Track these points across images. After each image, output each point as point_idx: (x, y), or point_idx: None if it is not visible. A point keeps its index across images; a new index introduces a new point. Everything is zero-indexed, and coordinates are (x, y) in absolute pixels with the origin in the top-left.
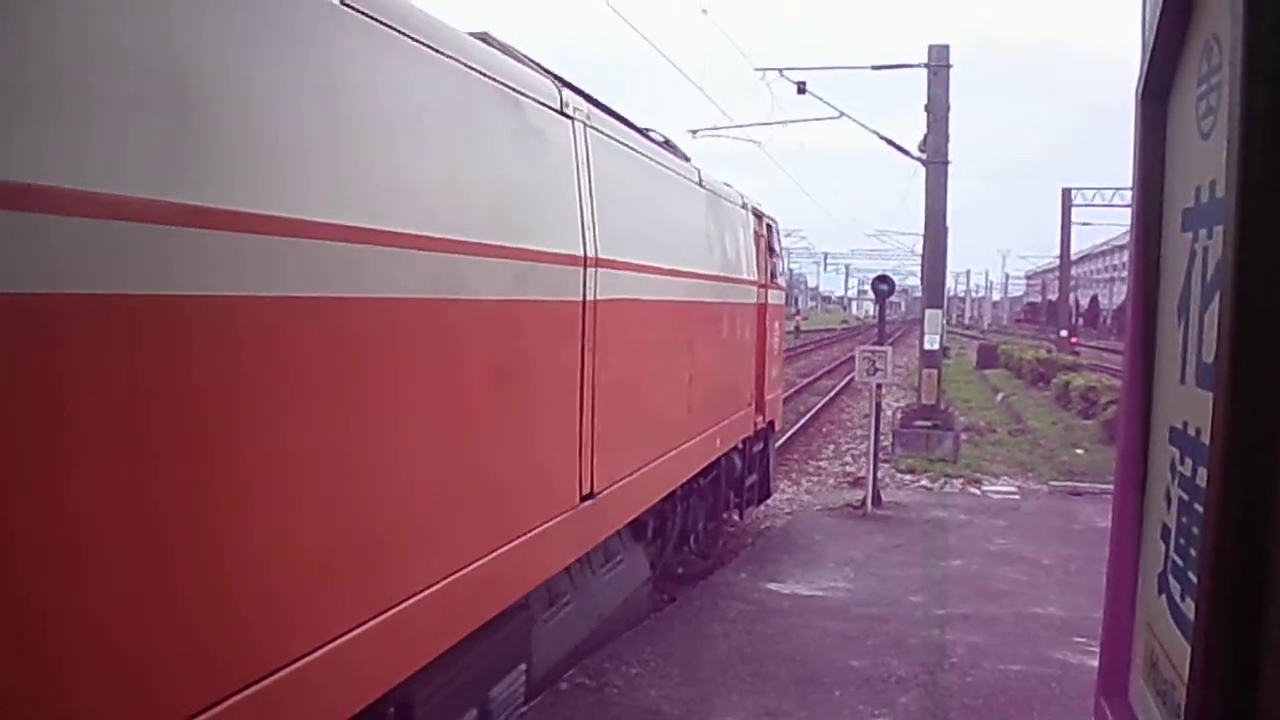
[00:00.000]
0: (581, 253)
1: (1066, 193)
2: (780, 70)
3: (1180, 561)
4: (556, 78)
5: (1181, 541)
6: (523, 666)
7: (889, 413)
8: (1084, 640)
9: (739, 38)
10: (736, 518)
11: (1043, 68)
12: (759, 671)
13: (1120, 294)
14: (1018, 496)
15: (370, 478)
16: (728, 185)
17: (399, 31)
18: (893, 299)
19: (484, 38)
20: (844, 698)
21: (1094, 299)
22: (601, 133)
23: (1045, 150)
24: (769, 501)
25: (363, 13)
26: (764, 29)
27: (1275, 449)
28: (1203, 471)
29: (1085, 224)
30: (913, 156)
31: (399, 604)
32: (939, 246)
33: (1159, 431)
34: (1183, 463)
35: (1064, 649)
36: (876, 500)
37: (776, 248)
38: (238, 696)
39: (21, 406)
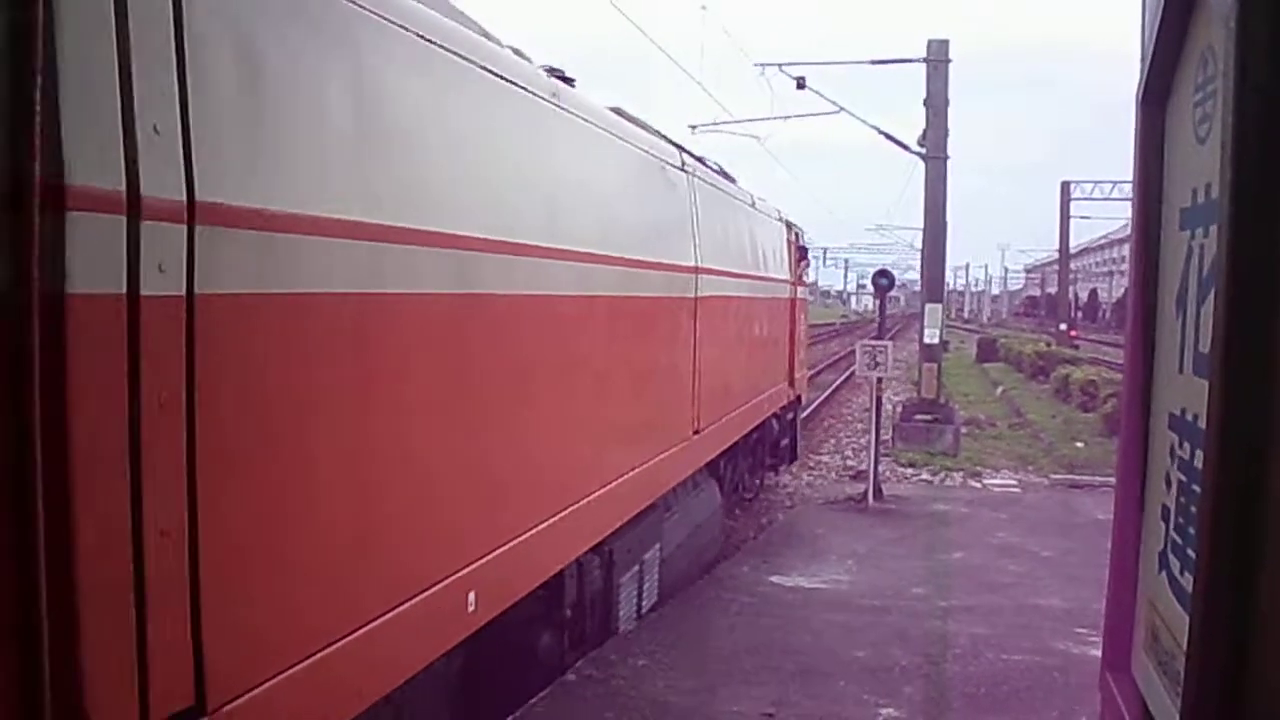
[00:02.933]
0: (693, 264)
1: (1065, 186)
2: (780, 65)
3: (1179, 540)
4: (679, 146)
5: (1180, 521)
6: (658, 545)
7: (889, 407)
8: (1085, 631)
9: (738, 33)
10: (772, 475)
11: (1044, 66)
12: (764, 663)
13: (1119, 287)
14: (1018, 490)
15: (580, 414)
16: (762, 200)
17: (598, 126)
18: (892, 293)
19: (618, 110)
20: (848, 688)
21: (1093, 292)
22: (702, 179)
23: (1046, 147)
24: (788, 472)
25: (573, 113)
26: (763, 24)
27: (1267, 431)
28: (1200, 454)
29: (1084, 217)
30: (912, 151)
31: (608, 485)
32: (938, 241)
33: (1159, 418)
34: (1181, 447)
35: (1066, 639)
36: (878, 494)
37: (804, 250)
38: (504, 549)
39: (299, 365)
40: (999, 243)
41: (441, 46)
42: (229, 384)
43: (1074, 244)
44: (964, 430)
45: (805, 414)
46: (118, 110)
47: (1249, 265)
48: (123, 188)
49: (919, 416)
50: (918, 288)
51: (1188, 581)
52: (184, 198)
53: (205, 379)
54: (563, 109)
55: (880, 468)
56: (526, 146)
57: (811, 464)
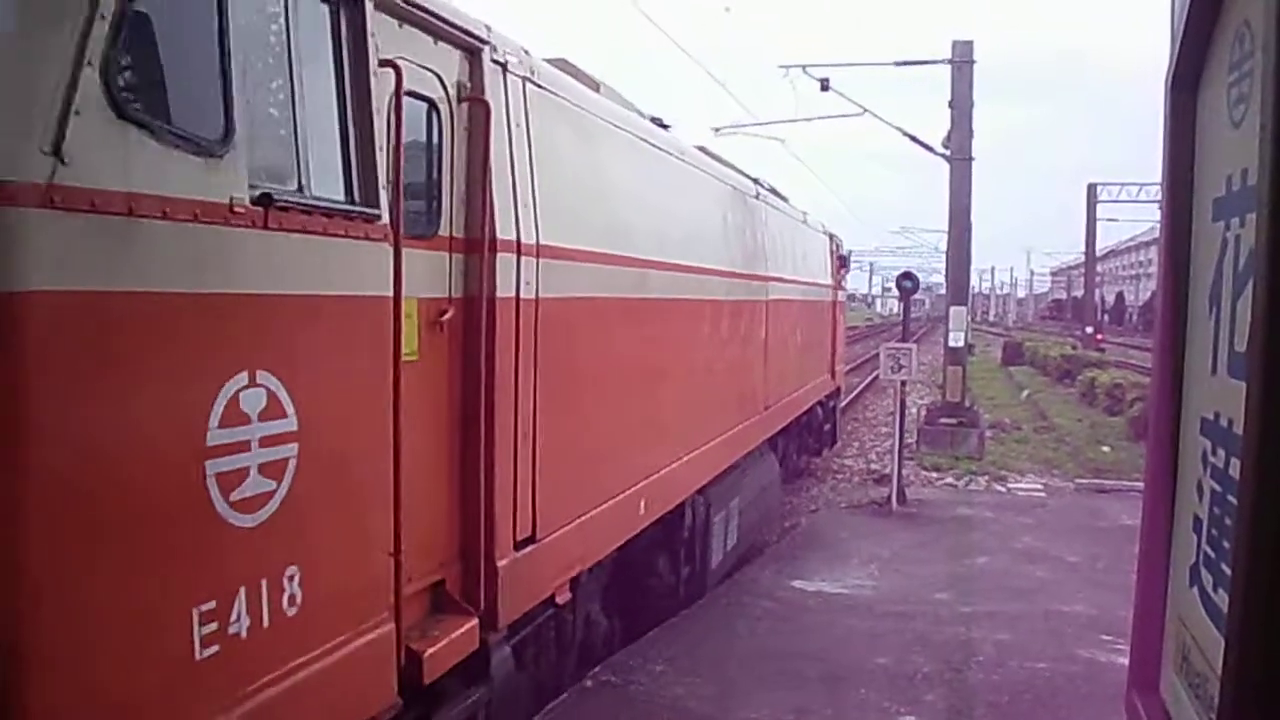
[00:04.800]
0: (764, 274)
1: (1092, 188)
2: (803, 67)
3: (1213, 553)
4: (755, 179)
5: (1214, 533)
6: (737, 498)
7: (914, 410)
8: (1111, 638)
9: (762, 35)
10: (816, 458)
11: (1073, 69)
12: (785, 669)
13: (1146, 291)
14: (1043, 494)
15: (698, 385)
16: (809, 215)
17: (706, 172)
18: (917, 296)
19: (704, 149)
20: (870, 695)
21: (1120, 295)
22: (768, 204)
23: (1074, 149)
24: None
25: (693, 164)
26: (787, 27)
27: None
28: (1236, 462)
29: (1111, 220)
30: (936, 153)
31: (710, 442)
32: (963, 243)
33: (1190, 423)
34: (1215, 454)
35: (1091, 647)
36: (901, 498)
37: (844, 259)
38: (658, 476)
39: (566, 348)
40: (1025, 245)
41: (630, 132)
42: (551, 348)
43: (1101, 247)
44: (989, 434)
45: None
46: (511, 194)
47: None
48: (514, 238)
49: (943, 420)
50: (943, 291)
51: (1222, 599)
52: (532, 241)
53: (542, 343)
54: (687, 162)
55: (904, 471)
56: (670, 192)
57: (835, 467)
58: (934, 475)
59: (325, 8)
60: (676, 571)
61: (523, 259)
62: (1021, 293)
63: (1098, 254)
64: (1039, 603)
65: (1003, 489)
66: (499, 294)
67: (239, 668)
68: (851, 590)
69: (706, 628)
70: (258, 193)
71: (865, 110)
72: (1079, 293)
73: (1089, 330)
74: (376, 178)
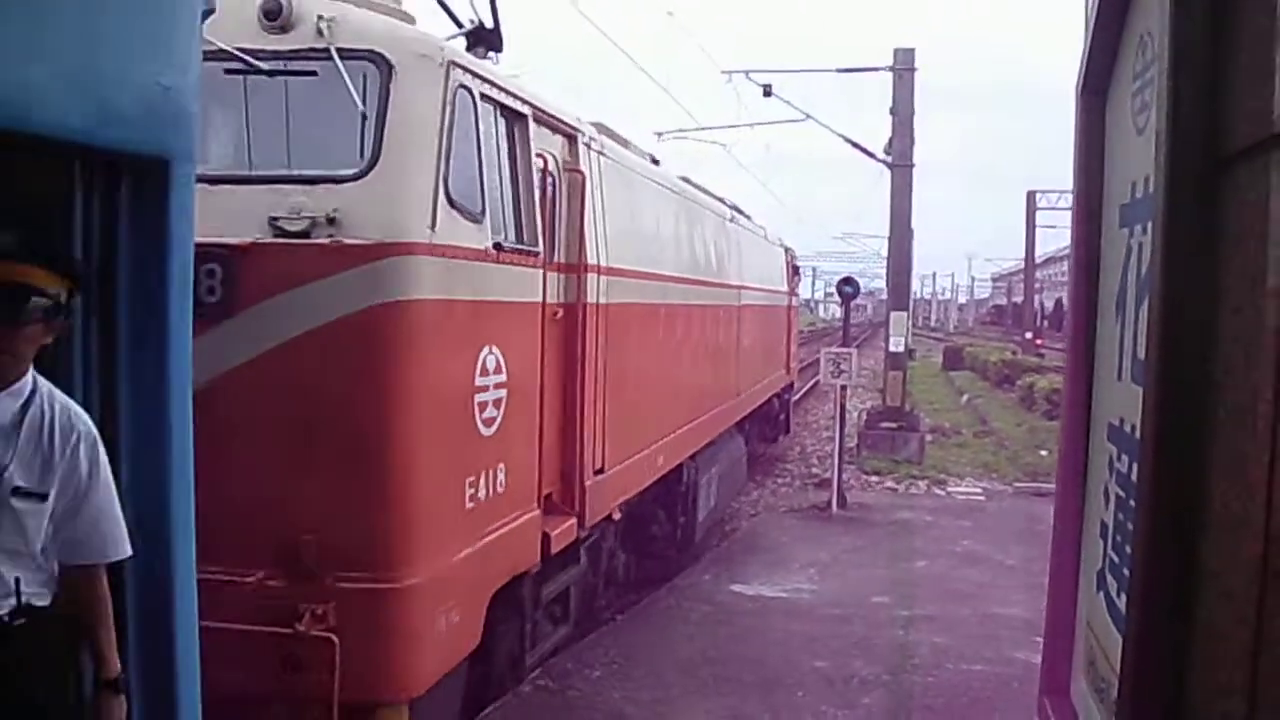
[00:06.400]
0: (737, 283)
1: (1031, 195)
2: (746, 73)
3: (1117, 559)
4: (732, 205)
5: (1118, 539)
6: (715, 468)
7: (854, 415)
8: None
9: (705, 41)
10: (772, 444)
11: (1012, 76)
12: (723, 673)
13: None
14: (982, 498)
15: (693, 371)
16: (767, 230)
17: (699, 205)
18: (859, 301)
19: (686, 179)
20: (807, 699)
21: (1059, 301)
22: (738, 224)
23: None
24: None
25: (692, 199)
26: (730, 32)
27: (1205, 445)
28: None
29: (1050, 227)
30: (878, 159)
31: (700, 418)
32: (904, 249)
33: (1098, 429)
34: (1120, 459)
35: (1026, 649)
36: (842, 502)
37: (797, 269)
38: (671, 437)
39: (631, 339)
40: (966, 251)
41: (649, 178)
42: (611, 338)
43: (1040, 253)
44: (929, 438)
45: None
46: (592, 232)
47: (1185, 263)
48: (595, 262)
49: (884, 424)
50: (884, 296)
51: (1125, 603)
52: (602, 264)
53: (608, 335)
54: (684, 196)
55: (845, 475)
56: (675, 219)
57: (776, 471)
58: (874, 479)
59: (505, 125)
60: (674, 521)
61: (599, 277)
62: (963, 298)
63: (1037, 260)
64: (976, 605)
65: (942, 493)
66: (586, 300)
67: (479, 519)
68: (790, 594)
69: (644, 632)
70: (492, 242)
71: (808, 116)
72: (1019, 298)
73: (1028, 335)
74: (535, 226)
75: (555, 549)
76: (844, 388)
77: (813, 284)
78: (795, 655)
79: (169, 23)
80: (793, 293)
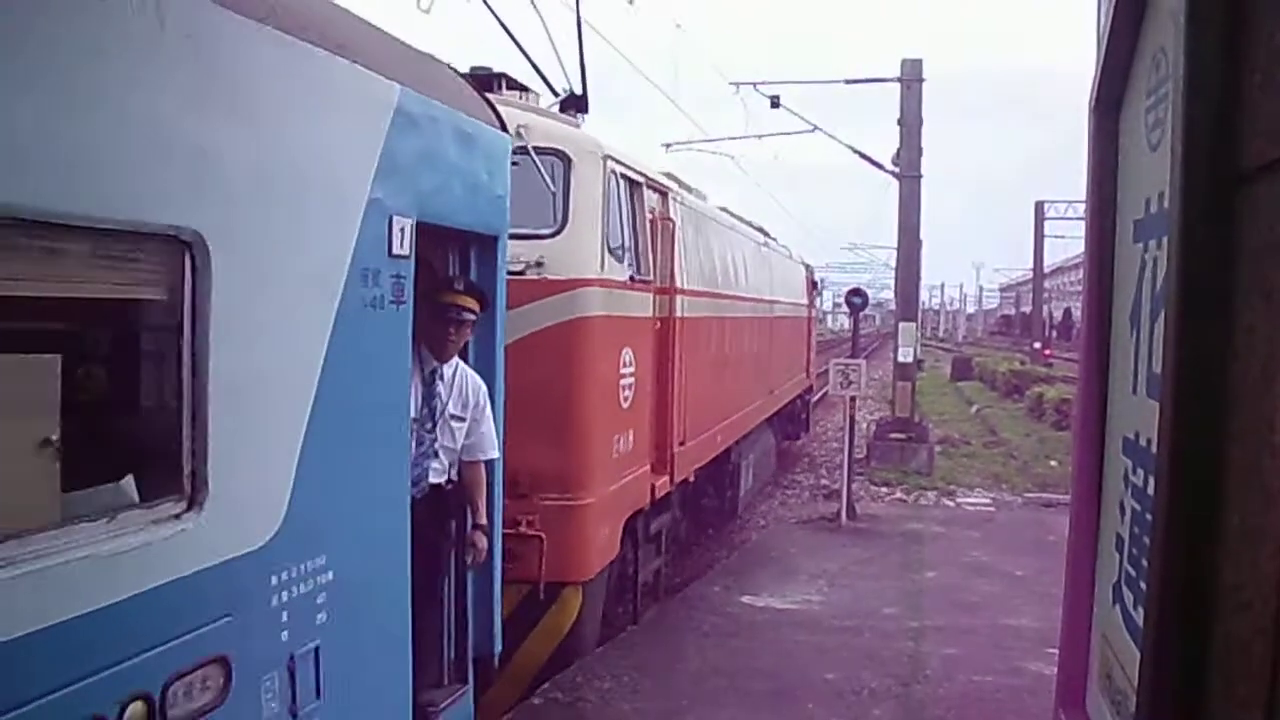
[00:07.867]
0: (770, 298)
1: (1040, 206)
2: (754, 85)
3: (1133, 571)
4: (762, 230)
5: (1134, 552)
6: (753, 455)
7: (864, 426)
8: (1056, 651)
9: (713, 52)
10: (795, 441)
11: (1019, 87)
12: (733, 685)
13: None
14: (992, 508)
15: (740, 370)
16: (789, 249)
17: (743, 235)
18: (867, 312)
19: (724, 209)
20: (817, 711)
21: (1067, 311)
22: (769, 246)
23: (1021, 168)
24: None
25: (739, 231)
26: (738, 44)
27: (1220, 460)
28: (1154, 482)
29: (1059, 237)
30: (886, 170)
31: (744, 409)
32: (912, 259)
33: (1113, 443)
34: (1135, 473)
35: (1037, 660)
36: (851, 513)
37: (816, 284)
38: (726, 423)
39: (700, 344)
40: (974, 261)
41: (709, 216)
42: (688, 344)
43: (1049, 263)
44: (938, 449)
45: None
46: (680, 262)
47: (1200, 279)
48: (680, 285)
49: (893, 435)
50: (893, 306)
51: (1142, 617)
52: (685, 287)
53: (686, 342)
54: (733, 227)
55: (854, 487)
56: (728, 246)
57: (785, 483)
58: (884, 490)
59: (630, 191)
60: (721, 495)
61: (683, 297)
62: (971, 308)
63: (1045, 270)
64: (986, 616)
65: (952, 503)
66: (675, 315)
67: (620, 466)
68: (800, 605)
69: (654, 644)
70: (629, 275)
71: (816, 128)
72: (1027, 308)
73: (1037, 346)
74: (649, 261)
75: (658, 495)
76: (853, 399)
77: (821, 295)
78: (805, 667)
79: (501, 162)
80: (812, 305)
